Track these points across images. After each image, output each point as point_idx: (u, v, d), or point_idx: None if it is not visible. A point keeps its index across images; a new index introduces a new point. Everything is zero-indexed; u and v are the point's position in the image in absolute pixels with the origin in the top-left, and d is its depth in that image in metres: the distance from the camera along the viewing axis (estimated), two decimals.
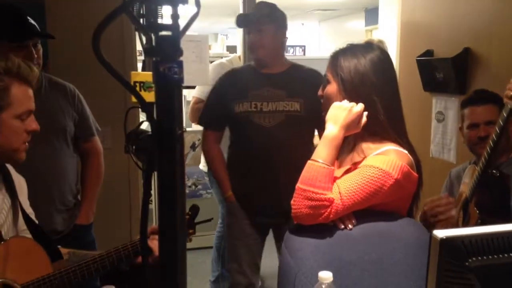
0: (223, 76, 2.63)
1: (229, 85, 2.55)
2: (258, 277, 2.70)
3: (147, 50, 0.65)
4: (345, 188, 1.41)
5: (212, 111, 2.59)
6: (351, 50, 1.55)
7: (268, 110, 2.44)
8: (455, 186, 2.33)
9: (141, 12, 0.71)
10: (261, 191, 2.49)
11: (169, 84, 0.64)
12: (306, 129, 2.53)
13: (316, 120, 2.45)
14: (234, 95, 2.48)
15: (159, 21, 0.68)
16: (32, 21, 2.17)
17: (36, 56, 2.13)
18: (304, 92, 2.43)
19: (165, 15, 0.72)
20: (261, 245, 2.68)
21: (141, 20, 0.70)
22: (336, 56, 1.56)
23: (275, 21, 2.49)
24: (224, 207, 3.48)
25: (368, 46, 1.58)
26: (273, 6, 2.56)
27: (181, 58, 0.67)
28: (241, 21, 2.54)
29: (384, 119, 1.50)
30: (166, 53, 0.64)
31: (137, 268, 1.56)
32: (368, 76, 1.49)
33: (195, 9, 0.75)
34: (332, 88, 1.55)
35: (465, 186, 1.94)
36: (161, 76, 0.63)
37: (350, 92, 1.50)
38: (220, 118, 2.57)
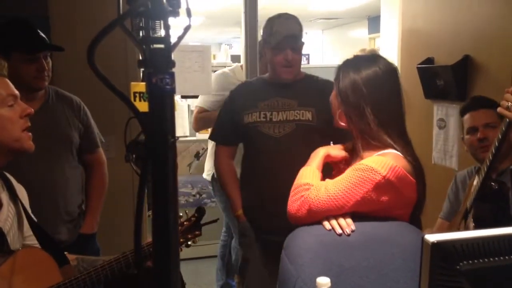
0: (234, 89, 2.53)
1: (238, 97, 2.46)
2: None
3: (141, 62, 0.68)
4: (332, 181, 1.53)
5: (222, 126, 2.48)
6: (353, 62, 1.67)
7: (278, 120, 2.33)
8: (460, 191, 2.34)
9: (141, 25, 0.74)
10: (272, 206, 2.30)
11: (161, 95, 0.67)
12: (318, 139, 2.29)
13: (329, 130, 2.20)
14: (243, 106, 2.39)
15: (157, 33, 0.70)
16: (43, 34, 2.22)
17: (47, 68, 2.18)
18: (317, 101, 2.31)
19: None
20: (274, 266, 2.54)
21: (141, 33, 0.72)
22: (340, 67, 1.69)
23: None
24: (228, 216, 3.50)
25: (372, 58, 1.68)
26: (298, 19, 2.37)
27: (174, 69, 0.70)
28: (290, 40, 2.29)
29: (375, 126, 1.56)
30: (158, 65, 0.67)
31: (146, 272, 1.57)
32: (359, 86, 1.59)
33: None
34: (333, 94, 1.70)
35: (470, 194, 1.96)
36: (154, 87, 0.66)
37: (342, 98, 1.64)
38: (231, 132, 2.46)
